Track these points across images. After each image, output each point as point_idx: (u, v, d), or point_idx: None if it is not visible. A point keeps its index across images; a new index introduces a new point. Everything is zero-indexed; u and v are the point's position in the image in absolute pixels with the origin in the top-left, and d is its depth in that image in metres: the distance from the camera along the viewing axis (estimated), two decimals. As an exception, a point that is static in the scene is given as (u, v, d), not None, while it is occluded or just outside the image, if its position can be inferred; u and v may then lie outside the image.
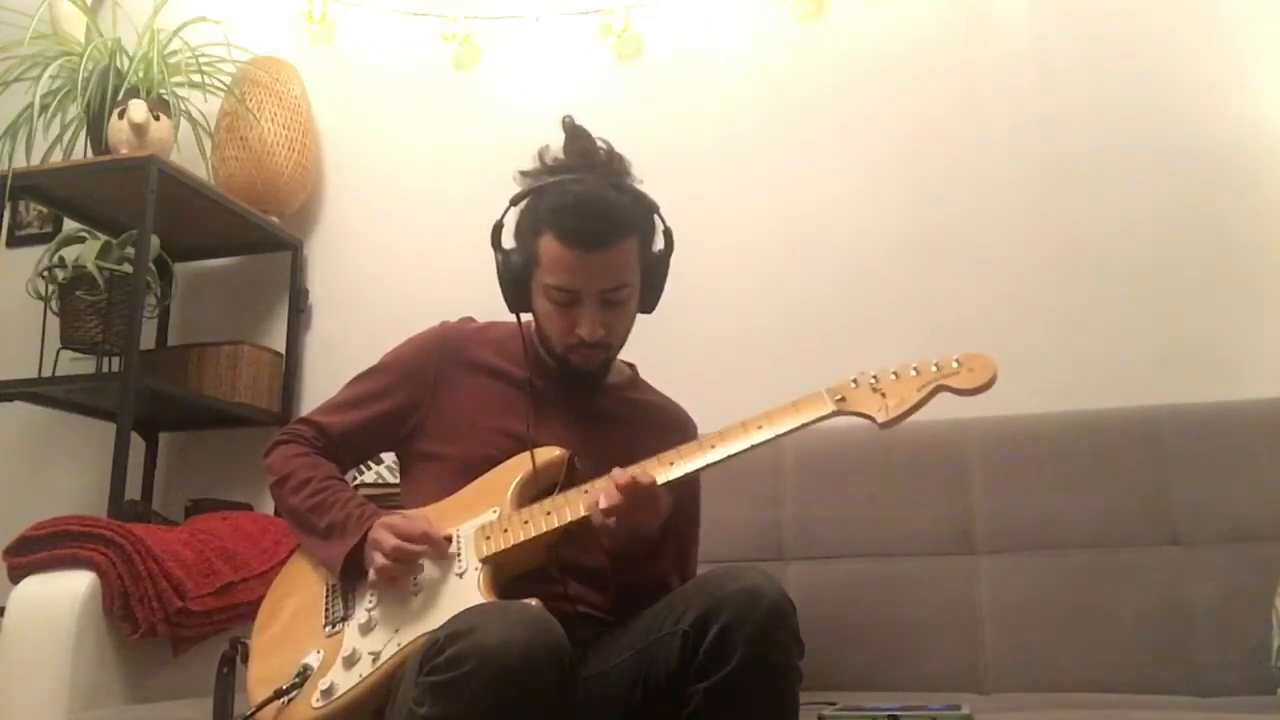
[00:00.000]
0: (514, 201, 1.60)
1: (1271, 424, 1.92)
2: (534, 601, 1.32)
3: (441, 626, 1.23)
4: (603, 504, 1.40)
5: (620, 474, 1.41)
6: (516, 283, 1.60)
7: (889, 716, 1.45)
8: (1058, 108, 2.38)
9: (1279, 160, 2.22)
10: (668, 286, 1.64)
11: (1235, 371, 2.14)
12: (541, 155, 1.59)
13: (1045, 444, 2.02)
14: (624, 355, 1.71)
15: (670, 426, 1.70)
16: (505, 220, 1.61)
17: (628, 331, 1.65)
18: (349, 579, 1.52)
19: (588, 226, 1.52)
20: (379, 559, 1.46)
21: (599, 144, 1.58)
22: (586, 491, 1.45)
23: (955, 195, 2.41)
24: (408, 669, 1.31)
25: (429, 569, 1.47)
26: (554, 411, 1.62)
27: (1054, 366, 2.24)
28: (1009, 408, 1.92)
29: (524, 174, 1.60)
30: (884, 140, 2.48)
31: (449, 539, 1.48)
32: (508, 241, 1.62)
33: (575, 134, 1.57)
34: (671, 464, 1.44)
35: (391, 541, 1.45)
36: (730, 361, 2.44)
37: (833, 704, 1.53)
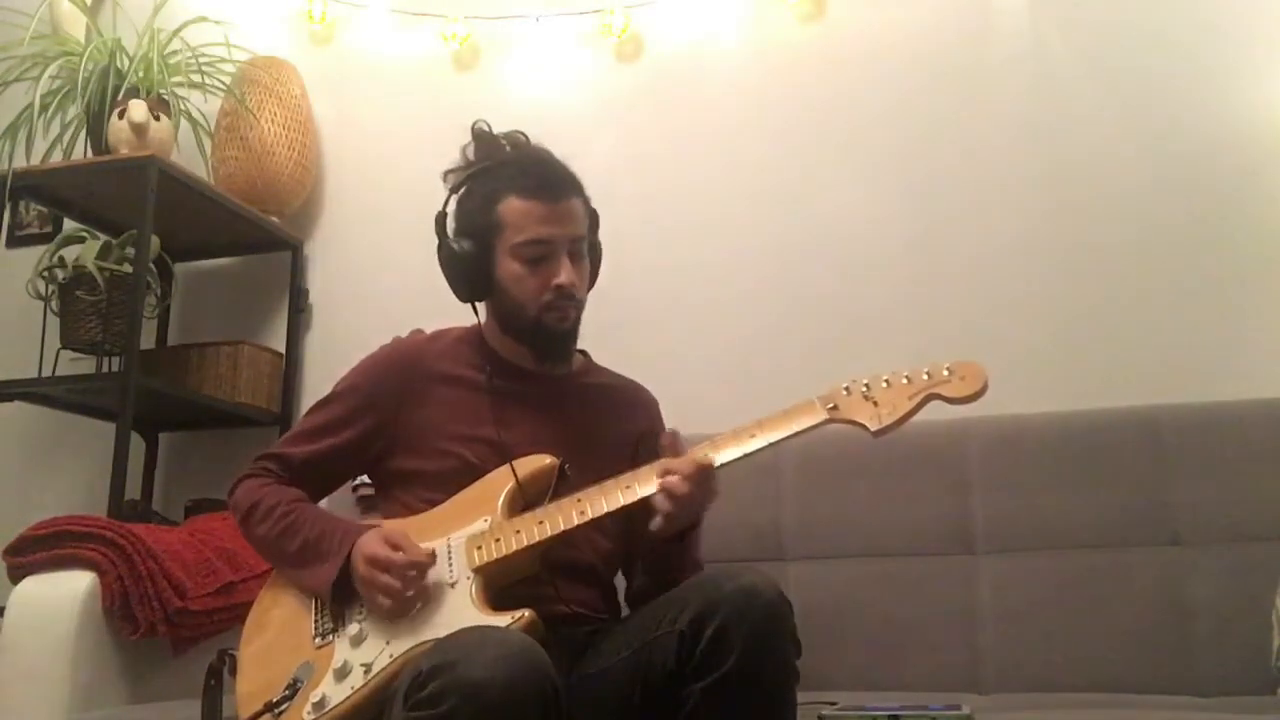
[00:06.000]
0: (455, 189, 1.65)
1: (1271, 424, 1.92)
2: (526, 612, 1.32)
3: (425, 656, 1.22)
4: (677, 491, 1.39)
5: (682, 463, 1.41)
6: (473, 264, 1.61)
7: (889, 716, 1.45)
8: (1058, 109, 2.38)
9: (1278, 162, 2.22)
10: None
11: (1235, 371, 2.14)
12: (465, 152, 1.66)
13: (1045, 444, 2.01)
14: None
15: (634, 404, 1.73)
16: (447, 210, 1.65)
17: (587, 292, 1.67)
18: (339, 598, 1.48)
19: (550, 179, 1.61)
20: (380, 599, 1.41)
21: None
22: (579, 499, 1.44)
23: (956, 196, 2.40)
24: (400, 682, 1.28)
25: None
26: (519, 408, 1.62)
27: (1054, 366, 2.24)
28: (1009, 408, 1.93)
29: (451, 172, 1.67)
30: (884, 141, 2.48)
31: (432, 554, 1.44)
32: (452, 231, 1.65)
33: (487, 136, 1.66)
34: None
35: (382, 580, 1.41)
36: (729, 362, 2.43)
37: (833, 704, 1.52)
